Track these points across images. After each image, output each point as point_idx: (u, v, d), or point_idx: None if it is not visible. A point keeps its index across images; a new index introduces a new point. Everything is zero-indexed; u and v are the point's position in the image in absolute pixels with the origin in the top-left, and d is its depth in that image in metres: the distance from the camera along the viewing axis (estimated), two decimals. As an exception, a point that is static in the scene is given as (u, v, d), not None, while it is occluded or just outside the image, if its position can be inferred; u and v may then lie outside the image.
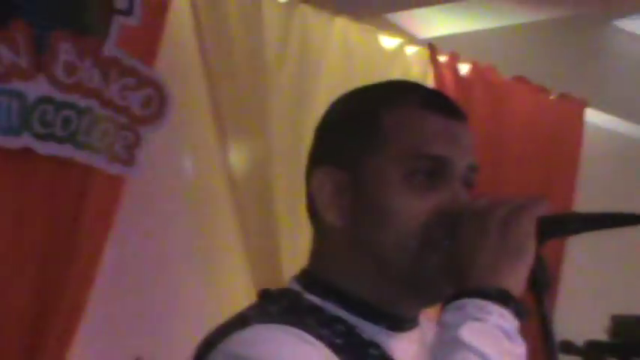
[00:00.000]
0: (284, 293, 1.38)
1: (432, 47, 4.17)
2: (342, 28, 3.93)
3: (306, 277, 1.39)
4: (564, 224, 1.31)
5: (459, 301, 1.24)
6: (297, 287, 1.38)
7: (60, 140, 3.05)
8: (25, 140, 2.97)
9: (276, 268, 3.52)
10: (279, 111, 3.71)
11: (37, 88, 3.00)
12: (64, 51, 3.05)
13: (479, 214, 1.28)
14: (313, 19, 3.85)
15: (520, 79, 4.47)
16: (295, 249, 3.62)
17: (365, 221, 1.33)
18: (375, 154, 1.34)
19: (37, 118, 2.99)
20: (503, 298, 1.23)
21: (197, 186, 3.60)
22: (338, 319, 1.33)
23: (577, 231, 1.31)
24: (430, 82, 4.19)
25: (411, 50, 4.15)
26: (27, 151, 2.98)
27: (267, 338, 1.26)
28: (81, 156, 3.09)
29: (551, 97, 4.59)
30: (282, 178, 3.65)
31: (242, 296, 3.55)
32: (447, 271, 1.29)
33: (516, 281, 1.25)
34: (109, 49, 3.17)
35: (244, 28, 3.63)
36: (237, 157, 3.57)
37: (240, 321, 1.30)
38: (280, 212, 3.59)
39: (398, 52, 4.11)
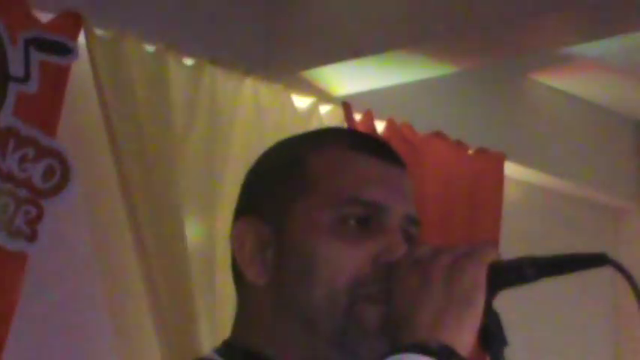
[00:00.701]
0: None
1: (346, 105, 4.07)
2: (253, 88, 3.81)
3: (226, 347, 1.24)
4: (519, 270, 1.16)
5: (395, 356, 1.10)
6: (215, 358, 1.23)
7: (-46, 217, 2.87)
8: None
9: (192, 347, 3.34)
10: (189, 178, 3.56)
11: None
12: (-44, 123, 2.88)
13: (420, 262, 1.16)
14: (222, 80, 3.72)
15: (437, 135, 4.39)
16: (213, 325, 3.46)
17: (290, 276, 1.20)
18: (300, 203, 1.21)
19: None
20: (445, 354, 1.10)
21: (105, 260, 3.42)
22: None
23: (534, 277, 1.17)
24: (346, 141, 4.09)
25: (324, 109, 4.05)
26: None
27: None
28: (-22, 233, 2.91)
29: (470, 152, 4.52)
30: (197, 247, 3.49)
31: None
32: (384, 329, 1.16)
33: (463, 337, 1.12)
34: (5, 118, 3.01)
35: (150, 93, 3.49)
36: (148, 228, 3.39)
37: None
38: (195, 287, 3.42)
39: (311, 111, 4.00)
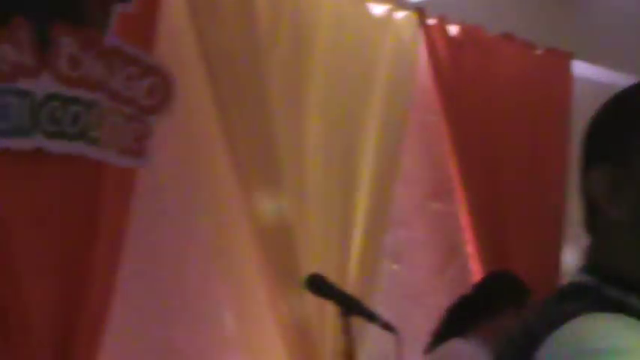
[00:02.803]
0: (581, 289, 1.35)
1: (421, 11, 4.12)
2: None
3: (600, 271, 1.36)
4: None
5: None
6: (591, 282, 1.35)
7: (70, 138, 2.97)
8: (36, 141, 2.89)
9: (293, 265, 3.48)
10: (277, 88, 3.64)
11: (43, 85, 2.91)
12: (66, 44, 2.96)
13: None
14: (302, -8, 3.78)
15: (507, 36, 4.44)
16: (307, 238, 3.59)
17: None
18: None
19: (46, 117, 2.91)
20: None
21: (204, 172, 3.52)
22: None
23: None
24: (421, 46, 4.16)
25: (399, 15, 4.10)
26: (38, 152, 2.90)
27: (611, 328, 1.22)
28: (92, 152, 3.02)
29: (538, 52, 4.57)
30: (286, 163, 3.59)
31: (259, 287, 3.51)
32: None
33: None
34: (110, 38, 3.09)
35: (237, 9, 3.55)
36: (242, 142, 3.49)
37: (563, 313, 1.26)
38: (289, 201, 3.53)
39: (387, 18, 4.06)
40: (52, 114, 2.92)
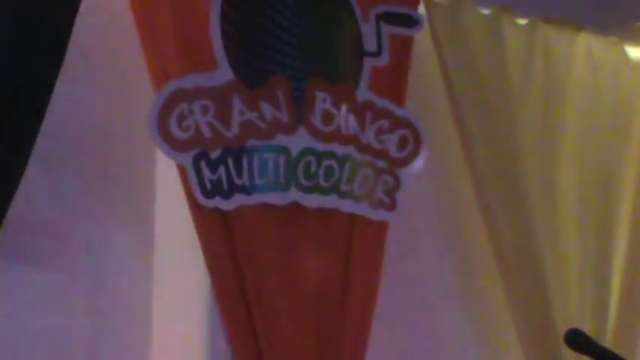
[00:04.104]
0: None
1: (684, 52, 3.93)
2: (586, 43, 3.76)
3: None
4: None
5: None
6: None
7: (324, 191, 3.01)
8: (292, 195, 2.95)
9: (544, 315, 3.39)
10: (527, 135, 3.56)
11: (298, 140, 2.98)
12: (321, 100, 3.02)
13: None
14: (555, 37, 3.69)
15: None
16: (562, 291, 3.48)
17: None
18: None
19: (301, 171, 2.97)
20: None
21: (452, 224, 3.49)
22: None
23: None
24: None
25: (659, 58, 3.93)
26: (294, 205, 2.96)
27: None
28: (345, 205, 3.05)
29: None
30: (538, 216, 3.50)
31: (509, 336, 3.43)
32: None
33: None
34: (362, 93, 3.12)
35: (487, 55, 3.52)
36: (493, 194, 3.42)
37: None
38: (542, 254, 3.45)
39: (647, 61, 3.90)
40: (307, 168, 2.98)
